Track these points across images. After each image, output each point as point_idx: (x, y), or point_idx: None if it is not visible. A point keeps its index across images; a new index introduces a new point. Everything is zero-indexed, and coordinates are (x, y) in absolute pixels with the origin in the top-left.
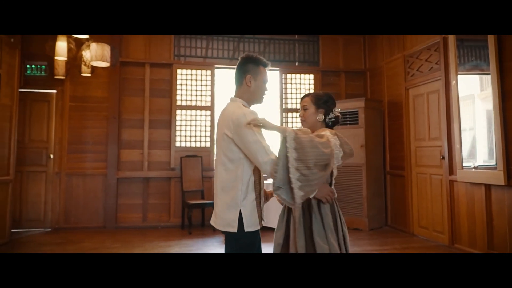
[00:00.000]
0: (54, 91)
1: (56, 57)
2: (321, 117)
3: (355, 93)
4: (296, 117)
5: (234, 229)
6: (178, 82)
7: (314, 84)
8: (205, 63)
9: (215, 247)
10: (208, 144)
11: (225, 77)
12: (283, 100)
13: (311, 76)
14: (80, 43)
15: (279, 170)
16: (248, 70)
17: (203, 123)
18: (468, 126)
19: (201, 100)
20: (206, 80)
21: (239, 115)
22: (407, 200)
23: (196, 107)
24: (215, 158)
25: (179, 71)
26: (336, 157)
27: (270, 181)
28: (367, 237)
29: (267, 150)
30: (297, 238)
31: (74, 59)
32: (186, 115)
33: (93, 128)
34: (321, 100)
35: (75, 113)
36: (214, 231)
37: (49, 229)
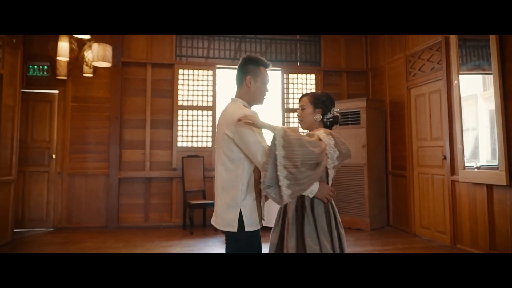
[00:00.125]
0: (56, 91)
1: (58, 58)
2: (318, 117)
3: (357, 93)
4: None
5: (234, 228)
6: (180, 82)
7: (316, 84)
8: (207, 63)
9: (217, 247)
10: (209, 144)
11: (227, 77)
12: (285, 100)
13: (313, 76)
14: (82, 44)
15: (269, 168)
16: (248, 71)
17: (204, 123)
18: (471, 126)
19: (202, 100)
20: (207, 80)
21: (240, 116)
22: (409, 200)
23: (197, 107)
24: (215, 158)
25: (180, 71)
26: (331, 157)
27: None
28: (369, 237)
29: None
30: (288, 239)
31: (76, 60)
32: (187, 115)
33: (95, 128)
34: (318, 100)
35: (77, 113)
36: (215, 231)
37: (51, 229)
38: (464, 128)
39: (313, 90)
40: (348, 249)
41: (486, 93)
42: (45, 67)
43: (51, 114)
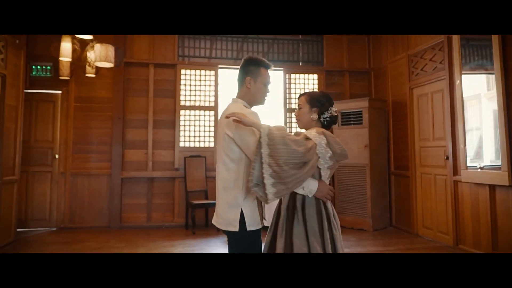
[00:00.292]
0: (59, 91)
1: (60, 58)
2: (315, 116)
3: (359, 93)
4: None
5: (235, 228)
6: (182, 82)
7: (318, 84)
8: (209, 63)
9: (218, 247)
10: (211, 144)
11: (229, 78)
12: (287, 100)
13: (315, 76)
14: (84, 44)
15: (256, 167)
16: (249, 72)
17: (206, 123)
18: (475, 126)
19: (205, 101)
20: (210, 81)
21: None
22: (411, 201)
23: (200, 107)
24: (216, 158)
25: (183, 71)
26: (323, 157)
27: None
28: (371, 237)
29: None
30: (278, 239)
31: (79, 60)
32: (190, 115)
33: (98, 129)
34: (315, 99)
35: (80, 113)
36: (218, 231)
37: (54, 229)
38: (468, 128)
39: (316, 90)
40: (350, 250)
41: (490, 93)
42: (48, 67)
43: (54, 114)
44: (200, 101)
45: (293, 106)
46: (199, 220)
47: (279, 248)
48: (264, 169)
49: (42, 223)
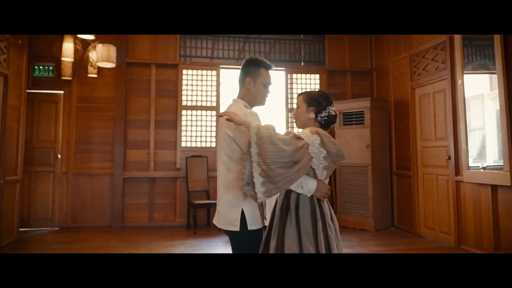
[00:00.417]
0: (61, 91)
1: (63, 58)
2: (312, 115)
3: (361, 92)
4: None
5: (236, 228)
6: (184, 82)
7: (320, 84)
8: (211, 63)
9: (220, 247)
10: (213, 144)
11: (231, 78)
12: (289, 100)
13: (317, 76)
14: (86, 44)
15: (247, 166)
16: (249, 72)
17: (208, 123)
18: (478, 126)
19: (206, 101)
20: (211, 81)
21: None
22: (413, 201)
23: (201, 108)
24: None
25: (184, 71)
26: (316, 157)
27: None
28: (373, 238)
29: None
30: (271, 239)
31: (81, 60)
32: (191, 115)
33: (100, 129)
34: (312, 98)
35: (82, 113)
36: (219, 231)
37: (57, 228)
38: (470, 128)
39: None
40: (352, 250)
41: (492, 93)
42: (50, 67)
43: (56, 115)
44: (202, 101)
45: (295, 106)
46: (200, 220)
47: (272, 248)
48: (253, 168)
49: (45, 222)
